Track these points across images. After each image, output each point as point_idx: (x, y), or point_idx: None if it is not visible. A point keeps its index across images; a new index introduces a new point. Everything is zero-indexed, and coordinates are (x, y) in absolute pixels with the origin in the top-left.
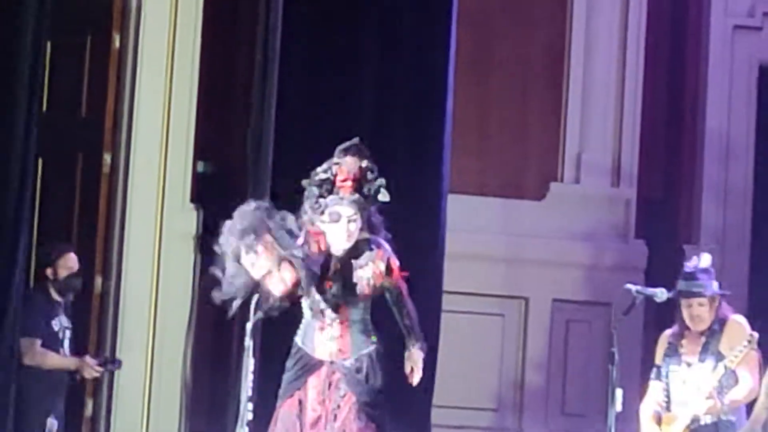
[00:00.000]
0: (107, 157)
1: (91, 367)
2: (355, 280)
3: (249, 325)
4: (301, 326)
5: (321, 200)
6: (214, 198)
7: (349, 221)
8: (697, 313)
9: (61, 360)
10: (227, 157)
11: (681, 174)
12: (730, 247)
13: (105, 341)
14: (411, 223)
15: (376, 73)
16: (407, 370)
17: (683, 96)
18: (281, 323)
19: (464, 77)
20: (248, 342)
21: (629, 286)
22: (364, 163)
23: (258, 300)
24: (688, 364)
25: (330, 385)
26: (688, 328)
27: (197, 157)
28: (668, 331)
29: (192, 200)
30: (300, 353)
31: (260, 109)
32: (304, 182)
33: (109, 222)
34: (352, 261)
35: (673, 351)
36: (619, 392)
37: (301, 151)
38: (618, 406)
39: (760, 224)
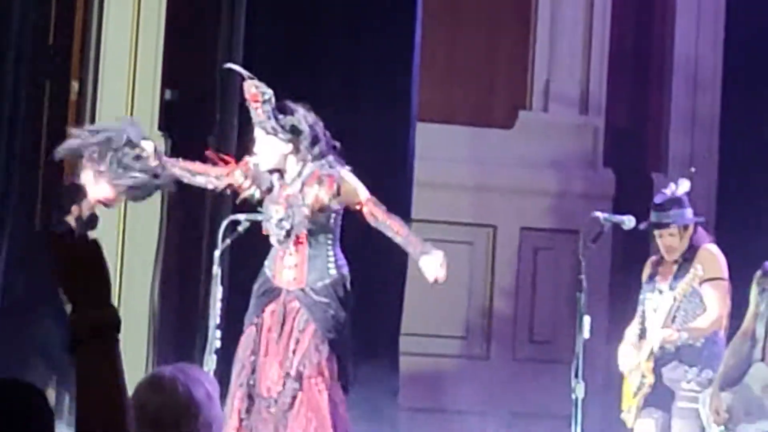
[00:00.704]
0: (75, 85)
1: None
2: (301, 205)
3: (217, 253)
4: (270, 252)
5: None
6: (181, 126)
7: (259, 143)
8: (668, 243)
9: None
10: (195, 85)
11: (649, 102)
12: (698, 175)
13: None
14: (379, 152)
15: (345, 2)
16: (429, 277)
17: (651, 24)
18: (249, 251)
19: (433, 6)
20: (216, 269)
21: (597, 213)
22: (254, 88)
23: (226, 227)
24: (660, 291)
25: (287, 313)
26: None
27: (165, 85)
28: (653, 258)
29: (159, 128)
30: (263, 278)
31: (228, 36)
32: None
33: None
34: (305, 188)
35: (650, 278)
36: (586, 319)
37: (270, 80)
38: (586, 333)
39: (727, 152)
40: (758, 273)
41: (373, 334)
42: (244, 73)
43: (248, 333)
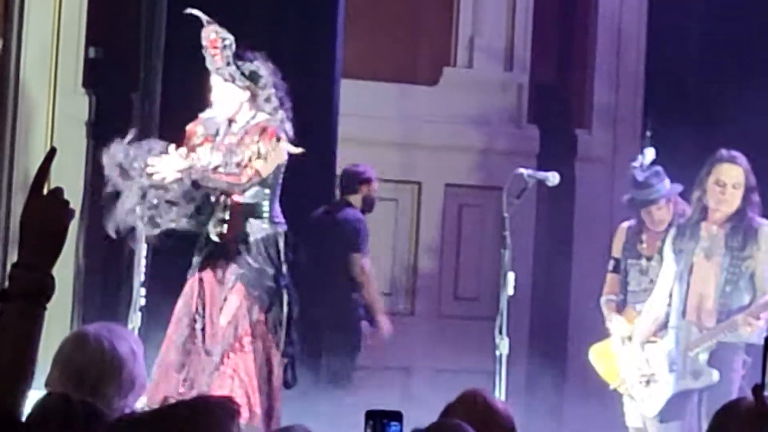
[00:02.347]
0: None
1: None
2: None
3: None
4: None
5: None
6: (106, 84)
7: (216, 92)
8: (658, 217)
9: None
10: (119, 42)
11: (573, 58)
12: (622, 132)
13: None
14: (303, 108)
15: None
16: None
17: None
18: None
19: None
20: (140, 227)
21: (521, 170)
22: (213, 33)
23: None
24: (648, 258)
25: (219, 266)
26: (645, 224)
27: (89, 42)
28: (625, 224)
29: (83, 85)
30: (204, 234)
31: None
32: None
33: (1, 108)
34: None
35: (631, 246)
36: (511, 276)
37: (194, 35)
38: (510, 290)
39: (651, 108)
40: (672, 231)
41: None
42: (204, 18)
43: (189, 285)
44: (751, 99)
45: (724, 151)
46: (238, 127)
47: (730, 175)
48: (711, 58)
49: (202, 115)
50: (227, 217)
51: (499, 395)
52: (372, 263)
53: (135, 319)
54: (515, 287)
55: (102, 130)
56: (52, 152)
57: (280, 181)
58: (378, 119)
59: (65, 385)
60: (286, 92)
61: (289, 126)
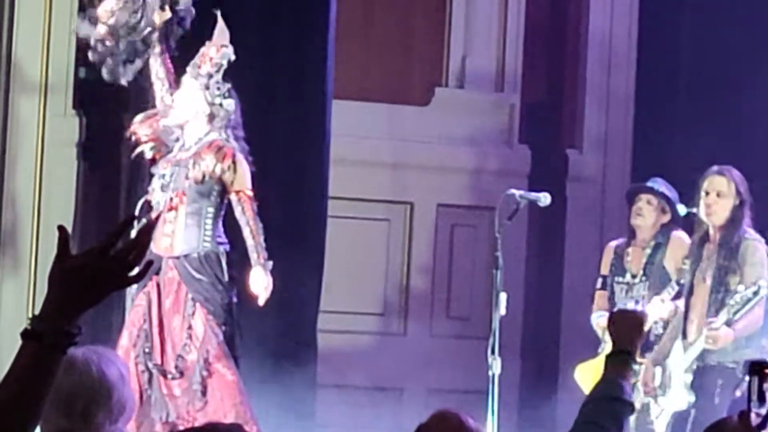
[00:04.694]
0: None
1: None
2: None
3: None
4: None
5: None
6: (95, 104)
7: (182, 92)
8: (641, 207)
9: None
10: None
11: (564, 79)
12: (613, 152)
13: None
14: (296, 128)
15: None
16: (252, 290)
17: (566, 1)
18: None
19: None
20: None
21: (513, 191)
22: (215, 51)
23: (142, 207)
24: (633, 276)
25: (166, 282)
26: (633, 238)
27: (79, 63)
28: (613, 243)
29: (74, 106)
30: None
31: None
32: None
33: None
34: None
35: (618, 261)
36: (503, 296)
37: (187, 53)
38: (502, 310)
39: (641, 129)
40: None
41: (291, 312)
42: (227, 37)
43: (138, 303)
44: (742, 116)
45: (715, 166)
46: (191, 143)
47: (715, 184)
48: (700, 77)
49: (162, 122)
50: (171, 230)
51: (492, 415)
52: (364, 283)
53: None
54: (507, 307)
55: (92, 152)
56: (131, 219)
57: (225, 202)
58: (369, 140)
59: (55, 413)
60: (242, 135)
61: (241, 151)
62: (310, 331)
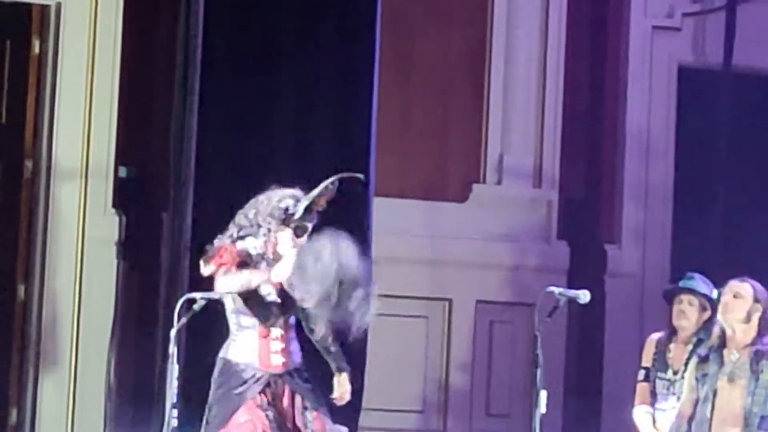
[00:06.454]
0: (29, 164)
1: None
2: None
3: (173, 332)
4: (232, 340)
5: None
6: (136, 203)
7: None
8: (681, 314)
9: None
10: (149, 161)
11: (602, 174)
12: (651, 247)
13: (28, 349)
14: (338, 227)
15: (298, 75)
16: (336, 395)
17: (603, 96)
18: (204, 330)
19: (386, 78)
20: (172, 348)
21: (552, 288)
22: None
23: (182, 306)
24: (675, 372)
25: (279, 395)
26: (675, 333)
27: (119, 162)
28: (655, 336)
29: (114, 206)
30: (234, 368)
31: (181, 113)
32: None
33: (31, 229)
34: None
35: (660, 356)
36: (543, 394)
37: (224, 155)
38: (542, 408)
39: (680, 224)
40: (694, 359)
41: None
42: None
43: (248, 407)
44: None
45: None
46: None
47: (732, 287)
48: (739, 168)
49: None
50: (281, 347)
51: None
52: (403, 380)
53: None
54: (547, 405)
55: (132, 250)
56: None
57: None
58: (408, 236)
59: None
60: None
61: None
62: (352, 429)
